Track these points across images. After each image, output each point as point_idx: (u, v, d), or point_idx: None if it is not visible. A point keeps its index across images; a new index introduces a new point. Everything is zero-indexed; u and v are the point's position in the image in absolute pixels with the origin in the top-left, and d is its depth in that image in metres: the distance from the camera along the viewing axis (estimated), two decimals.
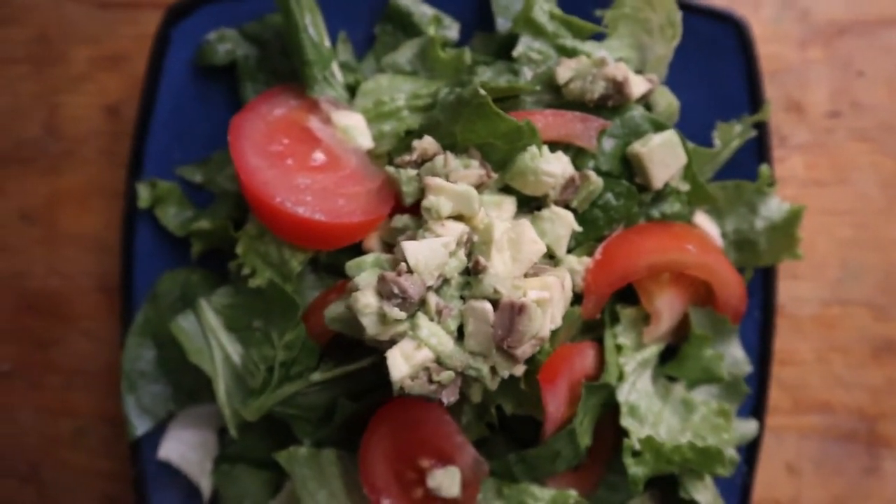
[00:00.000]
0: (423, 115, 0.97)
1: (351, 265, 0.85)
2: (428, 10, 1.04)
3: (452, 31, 1.04)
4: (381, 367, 0.92)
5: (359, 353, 0.92)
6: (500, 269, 0.82)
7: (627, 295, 0.99)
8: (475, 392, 0.93)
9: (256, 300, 0.95)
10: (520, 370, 0.87)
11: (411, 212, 0.91)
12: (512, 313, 0.81)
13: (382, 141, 0.97)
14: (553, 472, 0.96)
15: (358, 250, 0.92)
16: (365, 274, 0.82)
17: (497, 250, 0.82)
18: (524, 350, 0.82)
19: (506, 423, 0.98)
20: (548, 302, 0.82)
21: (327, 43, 1.01)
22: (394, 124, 0.97)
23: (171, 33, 1.03)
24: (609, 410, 0.99)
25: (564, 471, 0.98)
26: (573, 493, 0.95)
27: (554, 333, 0.91)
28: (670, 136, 0.93)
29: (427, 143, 0.89)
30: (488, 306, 0.81)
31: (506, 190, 0.92)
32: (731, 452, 1.01)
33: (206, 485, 1.02)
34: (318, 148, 0.94)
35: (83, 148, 1.16)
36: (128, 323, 1.05)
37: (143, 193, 1.04)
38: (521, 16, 0.96)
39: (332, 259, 0.95)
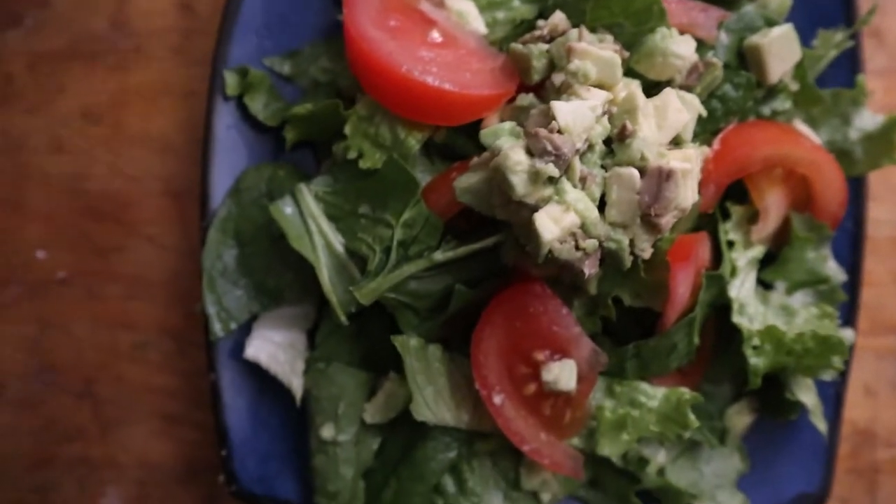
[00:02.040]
0: (535, 5, 0.95)
1: (486, 133, 0.82)
2: None
3: None
4: (502, 250, 0.89)
5: (477, 237, 0.89)
6: (648, 135, 0.80)
7: (736, 195, 0.99)
8: (591, 282, 0.90)
9: (364, 184, 0.91)
10: (648, 252, 0.85)
11: (535, 91, 0.89)
12: (660, 179, 0.79)
13: (495, 28, 0.95)
14: (664, 369, 0.94)
15: (474, 132, 0.89)
16: (504, 139, 0.79)
17: (643, 116, 0.80)
18: (667, 220, 0.81)
19: (612, 325, 0.96)
20: (689, 174, 0.81)
21: None
22: (506, 13, 0.95)
23: None
24: (711, 313, 0.98)
25: (672, 372, 0.97)
26: (686, 390, 0.93)
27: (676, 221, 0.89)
28: (788, 30, 0.93)
29: (558, 19, 0.87)
30: (635, 172, 0.79)
31: (629, 74, 0.90)
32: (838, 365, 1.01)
33: (297, 385, 0.96)
34: (434, 28, 0.91)
35: (153, 45, 1.10)
36: (206, 223, 0.99)
37: (231, 81, 0.99)
38: None
39: (447, 140, 0.92)
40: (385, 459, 0.97)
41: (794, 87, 0.97)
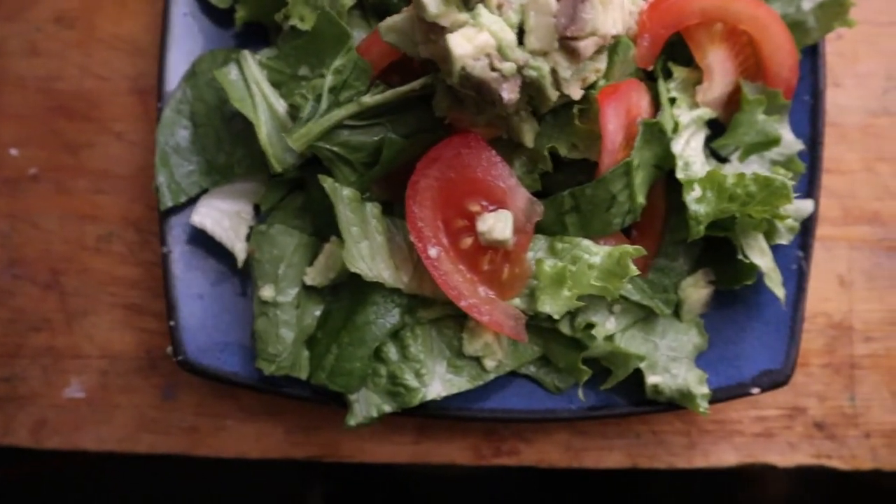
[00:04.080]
0: None
1: None
2: None
3: None
4: (435, 101, 0.90)
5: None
6: None
7: (681, 58, 0.98)
8: (527, 134, 0.90)
9: (301, 44, 0.93)
10: (577, 92, 0.85)
11: None
12: (575, 1, 0.79)
13: None
14: (607, 225, 0.92)
15: None
16: None
17: None
18: (586, 45, 0.80)
19: (555, 186, 0.95)
20: (609, 2, 0.81)
21: None
22: None
23: None
24: (661, 178, 0.97)
25: (621, 239, 0.95)
26: (630, 245, 0.91)
27: (607, 69, 0.89)
28: None
29: None
30: None
31: None
32: (790, 222, 0.98)
33: (240, 248, 0.98)
34: None
35: None
36: (162, 104, 1.03)
37: None
38: None
39: None
40: (328, 328, 0.97)
41: None
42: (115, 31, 1.15)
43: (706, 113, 0.97)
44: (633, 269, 0.88)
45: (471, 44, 0.78)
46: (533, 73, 0.81)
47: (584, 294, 0.91)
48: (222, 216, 0.99)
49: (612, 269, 0.90)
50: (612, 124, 0.86)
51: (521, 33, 0.82)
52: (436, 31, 0.80)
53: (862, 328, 1.11)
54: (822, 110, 1.03)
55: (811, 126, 1.03)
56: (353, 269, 0.90)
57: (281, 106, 0.95)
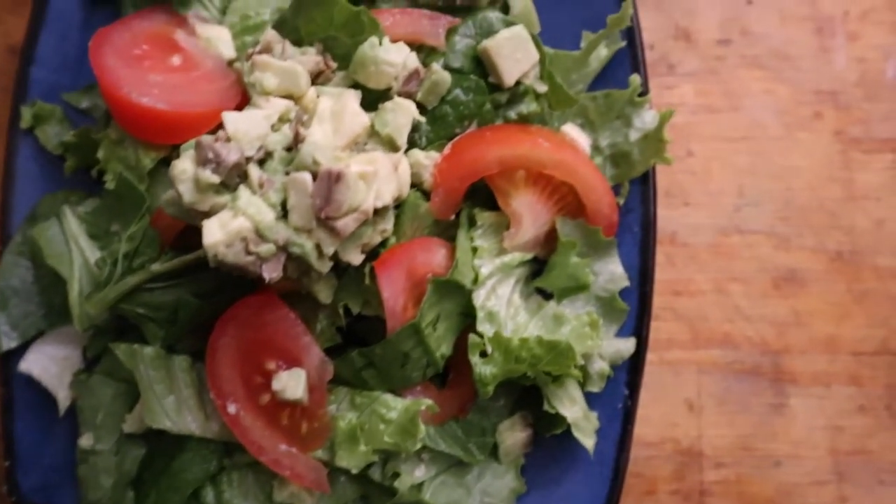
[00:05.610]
0: None
1: (182, 147, 0.85)
2: None
3: None
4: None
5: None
6: (320, 139, 0.81)
7: (489, 203, 0.97)
8: (322, 292, 0.91)
9: (114, 203, 0.96)
10: (357, 258, 0.85)
11: None
12: (329, 182, 0.80)
13: (244, 52, 0.98)
14: (407, 380, 0.92)
15: None
16: (187, 146, 0.82)
17: (318, 122, 0.82)
18: (345, 223, 0.81)
19: (362, 337, 0.95)
20: (373, 176, 0.81)
21: None
22: (254, 37, 0.99)
23: None
24: (473, 323, 0.96)
25: (422, 382, 0.95)
26: (427, 400, 0.91)
27: (398, 227, 0.89)
28: (519, 31, 0.92)
29: (270, 36, 0.90)
30: (308, 176, 0.80)
31: (353, 86, 0.92)
32: (601, 365, 0.97)
33: (63, 396, 1.01)
34: (177, 53, 0.96)
35: None
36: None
37: (26, 115, 1.06)
38: None
39: None
40: (152, 471, 0.99)
41: (541, 88, 0.96)
42: None
43: (516, 258, 0.96)
44: (421, 430, 0.88)
45: (223, 230, 0.79)
46: (297, 250, 0.82)
47: (380, 449, 0.91)
48: (50, 362, 1.02)
49: (406, 425, 0.90)
50: (388, 291, 0.87)
51: (286, 210, 0.83)
52: (198, 214, 0.81)
53: (712, 454, 1.09)
54: (651, 243, 1.01)
55: (641, 260, 1.01)
56: (156, 427, 0.92)
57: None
